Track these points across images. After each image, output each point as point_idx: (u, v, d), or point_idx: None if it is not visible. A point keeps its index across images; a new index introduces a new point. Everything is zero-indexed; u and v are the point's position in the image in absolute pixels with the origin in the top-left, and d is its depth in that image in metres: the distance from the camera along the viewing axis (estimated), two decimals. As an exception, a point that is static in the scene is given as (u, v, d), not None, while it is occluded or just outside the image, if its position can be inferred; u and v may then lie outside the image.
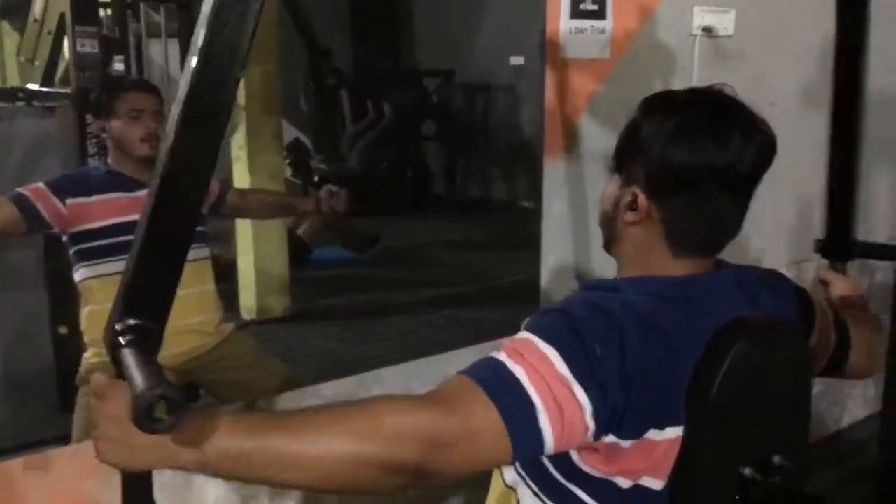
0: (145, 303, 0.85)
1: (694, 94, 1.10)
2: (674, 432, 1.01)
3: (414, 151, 9.00)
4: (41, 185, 2.24)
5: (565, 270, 2.18)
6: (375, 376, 1.98)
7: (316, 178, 7.17)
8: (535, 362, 0.95)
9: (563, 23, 2.12)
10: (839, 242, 1.46)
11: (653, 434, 1.00)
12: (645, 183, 1.08)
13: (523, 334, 1.00)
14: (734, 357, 1.01)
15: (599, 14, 2.15)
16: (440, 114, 9.10)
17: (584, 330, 0.98)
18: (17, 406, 2.90)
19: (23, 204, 2.18)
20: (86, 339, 2.36)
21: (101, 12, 4.59)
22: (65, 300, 2.92)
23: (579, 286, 1.16)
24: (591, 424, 0.96)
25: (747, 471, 1.05)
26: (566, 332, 0.98)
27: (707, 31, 2.36)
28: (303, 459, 0.86)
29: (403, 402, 0.92)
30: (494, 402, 0.92)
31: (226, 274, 4.81)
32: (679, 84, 2.24)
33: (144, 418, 0.75)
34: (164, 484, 1.61)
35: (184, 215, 0.86)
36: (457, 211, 8.45)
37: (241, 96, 4.57)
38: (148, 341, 0.84)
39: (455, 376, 0.96)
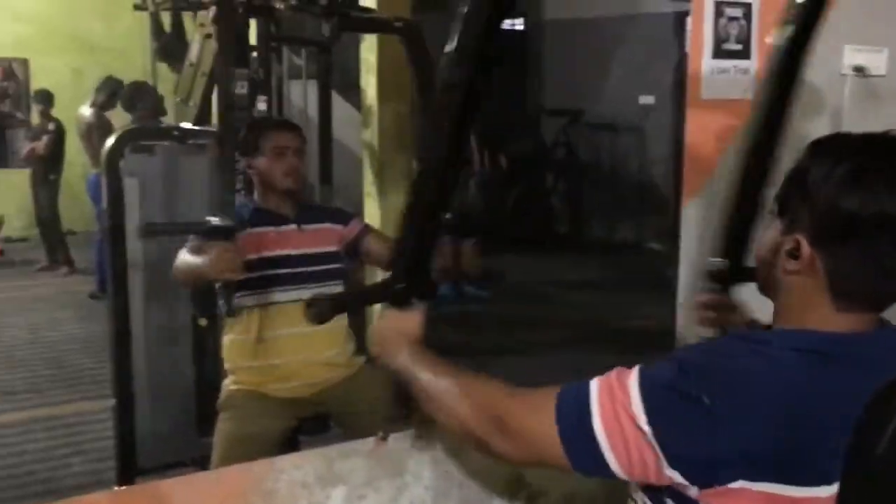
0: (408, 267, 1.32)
1: (868, 138, 1.05)
2: (822, 492, 0.97)
3: (539, 191, 9.00)
4: None
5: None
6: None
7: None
8: (618, 394, 1.02)
9: (705, 62, 2.08)
10: (735, 268, 1.47)
11: (791, 490, 0.97)
12: (810, 230, 1.03)
13: (633, 369, 1.04)
14: (904, 417, 0.94)
15: (743, 54, 2.09)
16: (567, 153, 9.07)
17: (690, 379, 0.99)
18: (159, 427, 3.04)
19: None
20: (227, 366, 2.46)
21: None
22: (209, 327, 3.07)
23: (726, 333, 1.12)
24: (666, 467, 0.98)
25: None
26: (665, 378, 1.00)
27: (858, 70, 2.26)
28: (429, 395, 1.22)
29: (501, 386, 1.16)
30: (558, 420, 1.05)
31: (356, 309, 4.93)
32: (827, 126, 2.16)
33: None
34: None
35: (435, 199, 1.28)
36: (581, 251, 8.37)
37: (374, 135, 4.73)
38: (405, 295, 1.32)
39: (554, 386, 1.10)
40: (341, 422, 2.53)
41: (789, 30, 1.34)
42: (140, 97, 5.11)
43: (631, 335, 4.96)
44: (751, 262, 1.44)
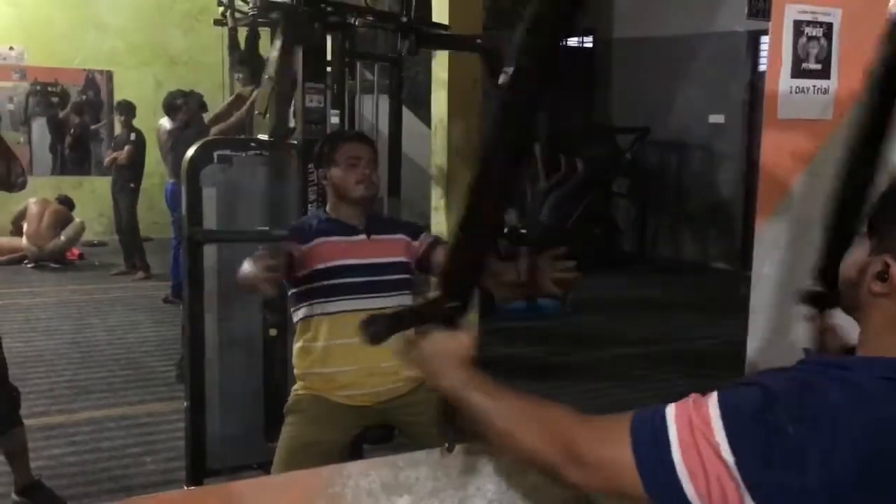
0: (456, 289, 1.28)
1: None
2: None
3: (605, 208, 8.93)
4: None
5: (775, 337, 2.07)
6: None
7: (506, 230, 7.30)
8: (697, 421, 0.98)
9: (782, 82, 2.05)
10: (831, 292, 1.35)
11: None
12: None
13: (710, 395, 1.00)
14: None
15: (823, 73, 2.06)
16: (633, 171, 8.99)
17: (775, 407, 0.95)
18: (228, 431, 3.12)
19: (288, 254, 2.36)
20: (296, 371, 2.51)
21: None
22: (279, 335, 3.14)
23: (805, 356, 1.10)
24: (746, 497, 0.95)
25: None
26: (748, 404, 0.97)
27: (943, 91, 2.19)
28: (493, 427, 1.15)
29: (570, 413, 1.11)
30: (634, 447, 1.00)
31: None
32: (909, 147, 2.10)
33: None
34: None
35: (489, 221, 1.23)
36: (646, 269, 8.27)
37: (443, 150, 4.77)
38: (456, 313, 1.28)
39: (627, 413, 1.05)
40: (406, 432, 2.56)
41: (889, 48, 1.31)
42: (179, 106, 5.29)
43: (697, 355, 4.87)
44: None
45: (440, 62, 4.67)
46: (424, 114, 5.69)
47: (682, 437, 0.98)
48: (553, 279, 2.34)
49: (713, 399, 1.00)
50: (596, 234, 8.92)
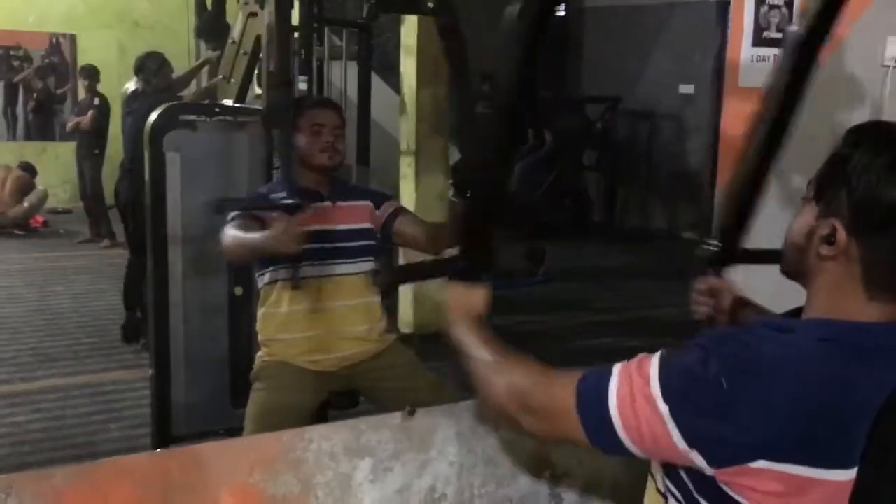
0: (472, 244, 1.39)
1: None
2: (840, 475, 0.98)
3: (575, 178, 8.96)
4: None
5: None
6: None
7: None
8: (635, 376, 1.06)
9: (744, 51, 2.07)
10: (730, 250, 1.49)
11: (810, 472, 0.98)
12: (848, 218, 1.02)
13: (652, 360, 1.06)
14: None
15: (784, 42, 2.08)
16: (603, 141, 9.02)
17: (709, 362, 1.00)
18: (194, 397, 3.11)
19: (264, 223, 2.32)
20: (260, 338, 2.51)
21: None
22: (245, 299, 3.12)
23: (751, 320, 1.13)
24: (681, 443, 1.01)
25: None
26: (684, 360, 1.03)
27: (901, 61, 2.23)
28: (474, 368, 1.27)
29: (530, 366, 1.21)
30: (576, 395, 1.10)
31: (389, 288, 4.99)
32: (867, 117, 2.14)
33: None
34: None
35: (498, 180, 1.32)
36: (616, 239, 8.33)
37: (411, 118, 4.75)
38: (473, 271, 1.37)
39: (578, 370, 1.14)
40: (371, 397, 2.58)
41: (808, 20, 1.34)
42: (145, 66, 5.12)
43: (664, 321, 4.94)
44: (746, 244, 1.49)
45: (409, 29, 4.63)
46: (395, 81, 5.65)
47: (621, 391, 1.06)
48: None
49: (655, 357, 1.06)
50: (566, 204, 8.96)
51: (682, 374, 1.02)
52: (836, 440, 0.98)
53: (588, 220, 8.85)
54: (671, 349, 1.08)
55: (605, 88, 8.89)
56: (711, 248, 1.50)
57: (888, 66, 2.21)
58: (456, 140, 7.49)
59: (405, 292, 4.91)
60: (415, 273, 1.71)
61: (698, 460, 1.01)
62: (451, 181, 6.97)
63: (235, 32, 2.98)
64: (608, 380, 1.08)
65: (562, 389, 1.12)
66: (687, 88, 8.43)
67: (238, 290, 3.04)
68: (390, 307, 4.68)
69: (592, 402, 1.08)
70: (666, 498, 1.14)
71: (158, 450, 1.75)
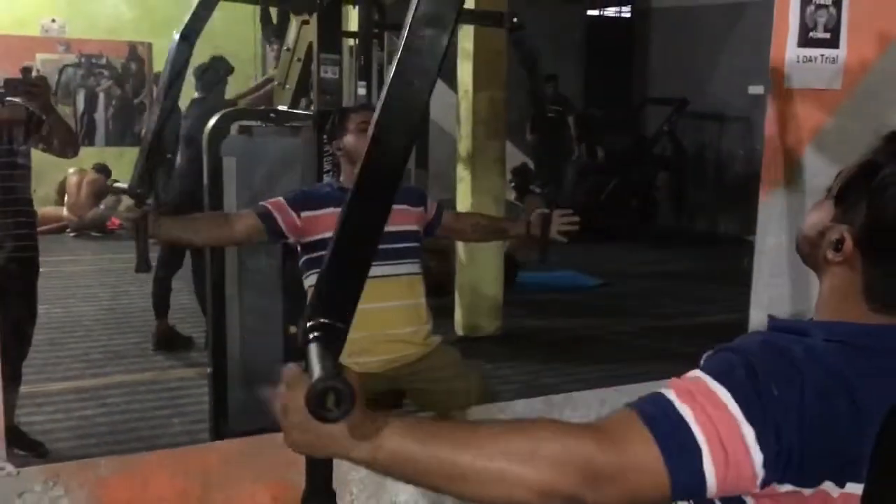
0: (333, 304, 0.93)
1: None
2: (856, 489, 0.95)
3: (641, 180, 8.85)
4: (280, 199, 2.49)
5: (778, 308, 2.06)
6: (566, 398, 1.99)
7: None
8: (705, 402, 0.92)
9: (789, 51, 2.02)
10: None
11: (829, 487, 0.94)
12: (861, 229, 0.99)
13: (695, 373, 0.97)
14: (934, 412, 0.92)
15: (832, 42, 2.02)
16: (671, 143, 8.89)
17: (760, 370, 0.94)
18: (251, 395, 3.20)
19: (265, 217, 2.43)
20: (308, 339, 2.57)
21: (351, 41, 5.01)
22: (297, 304, 3.20)
23: (768, 325, 1.11)
24: (760, 470, 0.91)
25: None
26: (741, 371, 0.94)
27: (961, 59, 2.14)
28: (464, 473, 0.90)
29: (566, 428, 0.93)
30: (657, 441, 0.90)
31: (444, 290, 5.03)
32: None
33: (315, 406, 0.82)
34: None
35: (369, 232, 0.94)
36: (682, 242, 8.20)
37: (468, 121, 4.78)
38: (333, 339, 0.91)
39: (621, 409, 0.94)
40: (416, 399, 2.61)
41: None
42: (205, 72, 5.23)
43: (716, 326, 4.84)
44: None
45: (465, 33, 4.66)
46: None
47: (695, 410, 0.91)
48: (560, 231, 2.64)
49: (698, 373, 0.97)
50: (631, 207, 8.86)
51: (743, 378, 0.93)
52: (852, 448, 0.94)
53: (654, 223, 8.74)
54: (709, 362, 0.99)
55: (673, 90, 8.76)
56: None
57: (946, 64, 2.13)
58: (519, 143, 7.49)
59: (461, 294, 4.95)
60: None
61: (760, 474, 0.92)
62: (511, 184, 6.99)
63: (290, 39, 3.05)
64: (674, 405, 0.92)
65: (631, 436, 0.91)
66: (756, 89, 8.24)
67: (292, 329, 3.12)
68: (445, 311, 4.76)
69: (673, 434, 0.90)
70: None
71: (199, 444, 1.81)
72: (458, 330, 4.95)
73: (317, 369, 0.84)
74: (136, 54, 9.91)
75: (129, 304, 5.60)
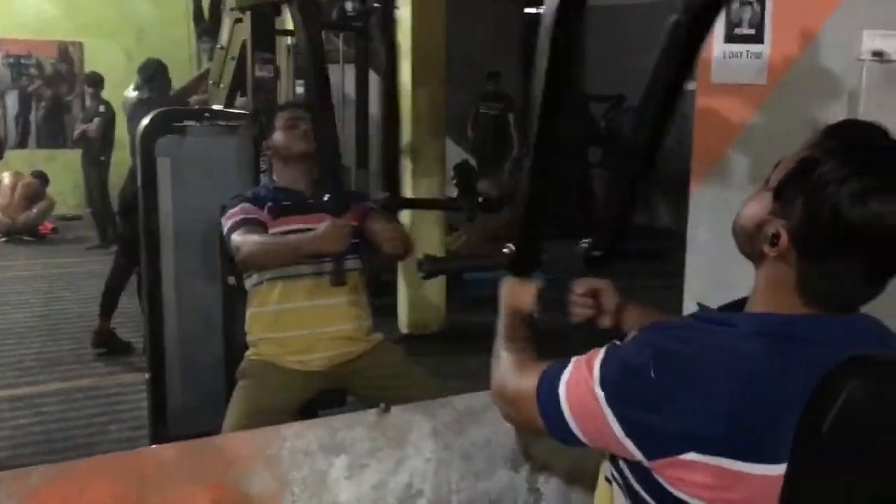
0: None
1: (889, 150, 0.99)
2: (772, 469, 0.98)
3: (580, 176, 8.96)
4: (245, 204, 2.45)
5: (707, 300, 2.12)
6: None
7: (480, 200, 7.33)
8: (582, 369, 1.11)
9: (716, 46, 2.08)
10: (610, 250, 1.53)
11: (741, 466, 0.98)
12: (797, 225, 1.00)
13: (599, 353, 1.10)
14: (849, 395, 0.96)
15: (756, 38, 2.09)
16: (607, 139, 9.02)
17: (642, 355, 1.03)
18: (190, 399, 3.15)
19: (257, 224, 2.40)
20: (248, 338, 2.55)
21: (290, 39, 4.96)
22: (236, 306, 3.16)
23: (697, 315, 1.15)
24: (618, 429, 1.05)
25: (862, 515, 1.00)
26: (623, 352, 1.08)
27: (878, 55, 2.23)
28: (494, 360, 1.34)
29: (518, 362, 1.27)
30: (536, 392, 1.16)
31: (388, 288, 5.02)
32: (843, 113, 2.14)
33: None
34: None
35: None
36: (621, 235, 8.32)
37: (407, 120, 4.78)
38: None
39: (542, 365, 1.19)
40: (360, 395, 2.60)
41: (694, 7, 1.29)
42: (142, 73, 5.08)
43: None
44: (626, 246, 1.54)
45: (403, 31, 4.66)
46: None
47: (570, 382, 1.11)
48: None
49: (604, 348, 1.11)
50: (570, 202, 8.97)
51: (618, 365, 1.06)
52: (766, 434, 0.98)
53: (593, 219, 8.85)
54: (620, 343, 1.11)
55: (609, 87, 8.89)
56: (592, 248, 1.52)
57: (864, 61, 2.21)
58: (459, 141, 7.52)
59: (403, 291, 4.95)
60: (461, 264, 1.90)
61: (634, 451, 1.04)
62: (453, 181, 7.03)
63: (223, 38, 3.02)
64: (564, 370, 1.13)
65: (528, 379, 1.18)
66: (691, 85, 8.43)
67: (231, 279, 3.04)
68: (388, 308, 4.74)
69: (546, 391, 1.14)
70: (611, 484, 1.17)
71: (135, 449, 1.78)
72: (403, 328, 4.95)
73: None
74: (67, 54, 9.66)
75: (63, 310, 5.46)
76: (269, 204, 2.45)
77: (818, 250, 1.00)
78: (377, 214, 2.64)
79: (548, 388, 1.14)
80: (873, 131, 1.02)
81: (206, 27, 5.05)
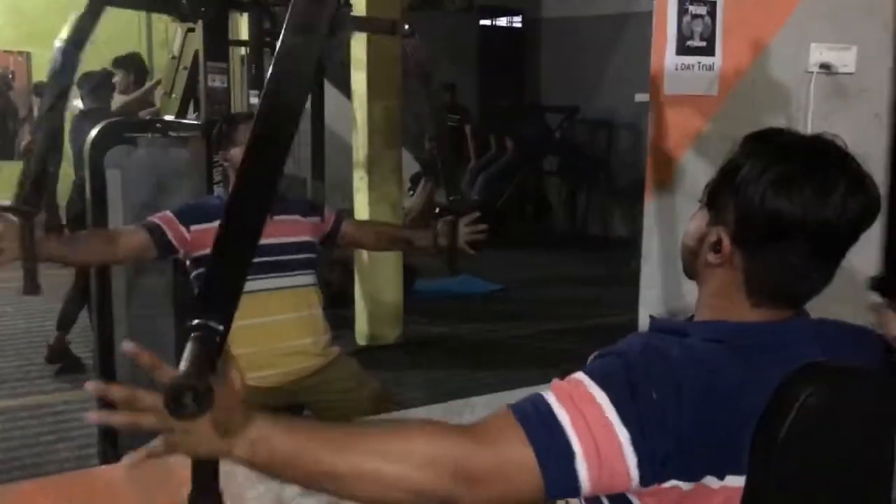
0: (213, 305, 0.95)
1: (802, 141, 1.05)
2: (735, 481, 0.98)
3: (535, 187, 9.03)
4: (168, 213, 2.41)
5: (662, 308, 2.14)
6: (465, 403, 2.00)
7: (437, 210, 7.33)
8: (581, 404, 0.95)
9: (668, 58, 2.11)
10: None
11: (710, 480, 0.97)
12: (733, 227, 1.04)
13: (577, 375, 1.00)
14: (805, 403, 0.97)
15: (707, 50, 2.12)
16: (563, 150, 9.10)
17: (640, 376, 0.97)
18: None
19: (154, 232, 2.35)
20: (200, 355, 2.49)
21: (243, 50, 4.90)
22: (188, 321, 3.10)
23: (650, 325, 1.14)
24: (635, 471, 0.94)
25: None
26: (620, 375, 0.97)
27: (825, 67, 2.28)
28: (340, 474, 0.93)
29: (441, 429, 0.95)
30: (530, 441, 0.93)
31: (343, 300, 4.98)
32: (792, 123, 2.19)
33: (170, 401, 0.83)
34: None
35: (249, 232, 1.00)
36: (576, 246, 8.39)
37: (363, 131, 4.76)
38: (211, 339, 0.91)
39: (501, 410, 0.97)
40: (316, 410, 2.57)
41: None
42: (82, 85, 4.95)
43: (606, 327, 4.97)
44: None
45: (358, 42, 4.64)
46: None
47: (571, 414, 0.94)
48: (467, 241, 2.54)
49: (579, 376, 0.99)
50: (527, 213, 9.03)
51: (623, 384, 0.96)
52: (730, 444, 0.97)
53: (549, 228, 8.92)
54: (591, 365, 1.03)
55: (564, 98, 8.97)
56: (878, 277, 1.37)
57: (812, 73, 2.26)
58: (412, 151, 7.51)
59: (360, 302, 4.91)
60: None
61: (635, 475, 0.94)
62: (410, 192, 7.01)
63: (175, 47, 2.96)
64: (551, 408, 0.95)
65: (504, 437, 0.93)
66: (643, 97, 8.50)
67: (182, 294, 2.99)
68: (344, 320, 4.71)
69: (547, 435, 0.93)
70: None
71: (84, 469, 1.73)
72: (360, 339, 4.91)
73: (182, 366, 0.86)
74: (14, 64, 9.45)
75: (9, 326, 5.30)
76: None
77: (758, 245, 1.03)
78: (348, 219, 2.72)
79: (549, 436, 0.92)
80: (784, 132, 1.08)
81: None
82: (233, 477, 1.66)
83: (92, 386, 0.92)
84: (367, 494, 0.93)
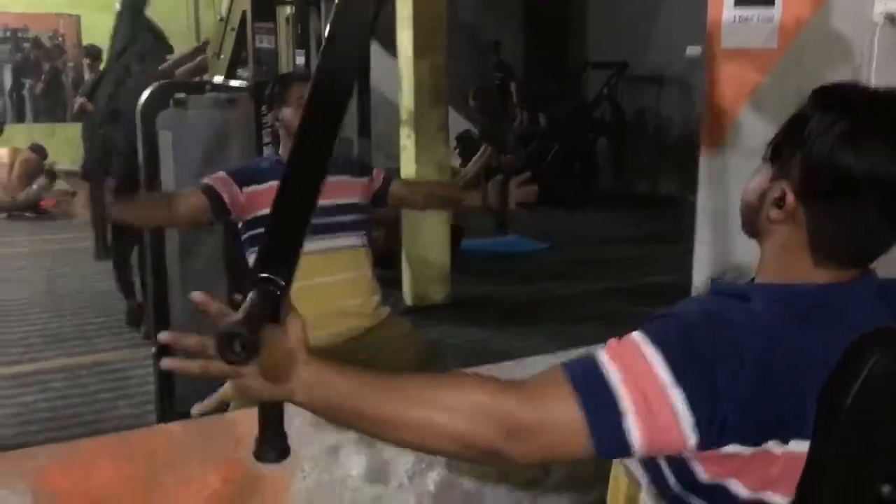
0: (274, 259, 0.97)
1: (874, 95, 1.02)
2: (799, 446, 0.96)
3: (582, 145, 8.92)
4: (224, 174, 2.43)
5: (717, 268, 2.10)
6: (516, 364, 2.00)
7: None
8: (634, 363, 0.94)
9: (726, 10, 2.03)
10: None
11: (772, 446, 0.96)
12: (799, 182, 1.01)
13: (633, 335, 0.98)
14: (873, 368, 0.94)
15: (767, 1, 2.04)
16: (611, 107, 8.95)
17: (699, 338, 0.95)
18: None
19: (209, 192, 2.37)
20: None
21: (288, 9, 4.88)
22: (241, 281, 3.15)
23: (710, 288, 1.12)
24: (692, 432, 0.92)
25: (886, 488, 0.98)
26: (678, 337, 0.95)
27: (891, 18, 2.18)
28: (392, 421, 0.95)
29: (493, 383, 0.96)
30: (579, 398, 0.92)
31: (390, 261, 5.01)
32: (855, 77, 2.10)
33: (222, 347, 0.86)
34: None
35: (307, 192, 1.01)
36: (624, 205, 8.30)
37: (410, 89, 4.73)
38: (272, 294, 0.94)
39: (552, 367, 0.97)
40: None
41: None
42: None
43: (659, 286, 4.91)
44: None
45: (404, 0, 4.59)
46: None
47: (623, 373, 0.93)
48: (518, 201, 2.50)
49: (634, 336, 0.97)
50: (574, 171, 8.93)
51: (678, 346, 0.94)
52: (796, 409, 0.96)
53: (596, 187, 8.83)
54: (649, 326, 1.00)
55: (613, 53, 8.80)
56: None
57: (877, 24, 2.16)
58: (463, 110, 7.46)
59: (408, 263, 4.93)
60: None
61: (692, 440, 0.93)
62: (457, 150, 6.97)
63: (223, 8, 2.96)
64: (603, 368, 0.94)
65: (554, 394, 0.93)
66: (694, 50, 8.32)
67: (238, 297, 3.05)
68: (393, 281, 4.73)
69: (597, 396, 0.92)
70: (640, 485, 1.09)
71: (143, 428, 1.77)
72: (407, 300, 4.94)
73: (238, 316, 0.89)
74: (63, 27, 9.57)
75: (66, 287, 5.45)
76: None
77: (825, 200, 1.00)
78: (397, 178, 2.70)
79: (600, 397, 0.91)
80: (856, 85, 1.05)
81: None
82: (288, 434, 1.69)
83: (166, 336, 0.96)
84: (416, 441, 0.96)
